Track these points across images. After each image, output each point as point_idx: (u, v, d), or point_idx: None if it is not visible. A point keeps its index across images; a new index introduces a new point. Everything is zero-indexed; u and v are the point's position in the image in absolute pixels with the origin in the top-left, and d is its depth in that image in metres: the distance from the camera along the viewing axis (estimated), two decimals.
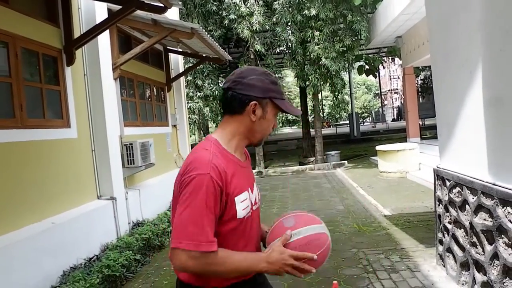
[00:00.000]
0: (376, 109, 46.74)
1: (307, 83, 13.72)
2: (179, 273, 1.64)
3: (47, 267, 4.42)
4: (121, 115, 6.92)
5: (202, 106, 13.30)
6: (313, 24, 12.93)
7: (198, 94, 13.45)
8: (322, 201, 8.71)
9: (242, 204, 1.60)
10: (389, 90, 53.41)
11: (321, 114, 28.41)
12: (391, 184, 9.83)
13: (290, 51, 13.73)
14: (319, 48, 12.68)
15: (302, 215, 1.72)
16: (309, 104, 20.50)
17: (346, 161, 14.67)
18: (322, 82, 13.88)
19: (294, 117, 42.23)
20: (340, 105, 14.88)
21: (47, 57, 5.23)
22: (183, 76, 10.97)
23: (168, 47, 9.74)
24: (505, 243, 2.99)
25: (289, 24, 12.76)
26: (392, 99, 52.92)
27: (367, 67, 17.91)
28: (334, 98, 15.13)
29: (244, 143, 1.72)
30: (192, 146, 12.31)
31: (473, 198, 3.46)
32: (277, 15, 12.74)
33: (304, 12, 12.60)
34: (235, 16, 12.55)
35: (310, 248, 1.59)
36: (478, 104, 3.37)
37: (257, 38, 13.05)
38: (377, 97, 48.68)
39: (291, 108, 1.73)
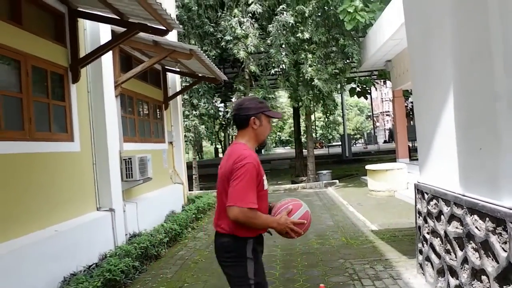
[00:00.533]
0: (368, 131, 47.41)
1: (300, 104, 14.14)
2: (232, 228, 2.54)
3: (50, 272, 4.67)
4: (121, 131, 7.25)
5: (197, 124, 13.64)
6: (306, 47, 13.45)
7: (194, 112, 13.82)
8: (312, 216, 8.98)
9: (265, 182, 2.65)
10: (381, 112, 54.19)
11: (314, 135, 28.87)
12: (379, 202, 10.16)
13: (283, 72, 14.16)
14: (312, 70, 13.13)
15: (296, 203, 2.76)
16: (302, 124, 20.92)
17: (337, 180, 15.00)
18: (314, 103, 14.32)
19: (287, 138, 42.72)
20: (331, 126, 15.30)
21: (55, 75, 5.57)
22: (180, 95, 11.33)
23: (166, 67, 10.13)
24: (473, 248, 3.31)
25: (283, 46, 13.23)
26: (384, 121, 53.66)
27: (358, 89, 18.44)
28: (326, 119, 15.55)
29: (255, 143, 2.74)
30: (188, 164, 12.64)
31: (447, 209, 3.79)
32: (271, 38, 13.22)
33: (297, 35, 13.11)
34: (231, 38, 13.02)
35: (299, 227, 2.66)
36: (451, 124, 3.74)
37: (252, 59, 13.49)
38: (369, 119, 49.39)
39: (276, 114, 2.85)
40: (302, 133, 20.54)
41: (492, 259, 3.02)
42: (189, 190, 12.93)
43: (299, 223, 2.64)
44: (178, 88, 11.13)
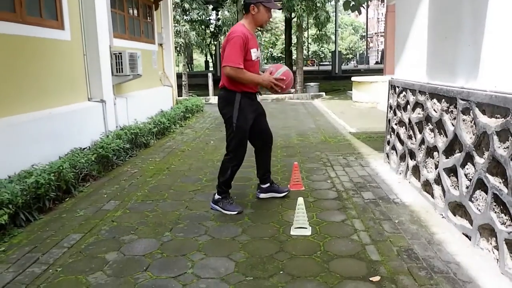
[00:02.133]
0: (361, 51, 46.95)
1: (293, 14, 14.00)
2: (225, 83, 3.55)
3: (45, 150, 5.02)
4: (111, 25, 7.29)
5: (188, 30, 13.55)
6: None
7: (185, 17, 13.66)
8: (296, 120, 9.46)
9: (253, 54, 3.52)
10: (375, 33, 53.22)
11: (305, 52, 28.65)
12: (362, 112, 10.58)
13: None
14: None
15: (277, 65, 3.71)
16: (294, 38, 20.71)
17: (324, 93, 15.31)
18: (307, 13, 14.18)
19: (279, 54, 42.28)
20: (323, 38, 15.25)
21: None
22: None
23: None
24: (430, 129, 3.71)
25: None
26: (377, 42, 52.91)
27: (353, 3, 18.08)
28: (318, 31, 15.47)
29: (254, 26, 3.60)
30: (178, 74, 12.75)
31: (413, 98, 4.15)
32: None
33: None
34: None
35: (283, 75, 3.59)
36: (424, 21, 3.96)
37: None
38: (363, 40, 48.63)
39: (272, 5, 3.55)
40: (293, 46, 20.41)
41: (443, 136, 3.42)
42: (178, 96, 13.18)
43: (280, 79, 3.55)
44: None
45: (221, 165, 3.82)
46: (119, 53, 7.16)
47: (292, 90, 16.24)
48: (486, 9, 2.78)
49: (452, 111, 3.25)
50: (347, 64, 43.96)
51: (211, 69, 34.95)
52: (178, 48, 13.98)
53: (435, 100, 3.60)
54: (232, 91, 3.54)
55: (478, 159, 2.84)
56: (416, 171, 4.11)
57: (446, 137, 3.32)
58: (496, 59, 2.70)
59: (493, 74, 2.73)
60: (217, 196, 3.84)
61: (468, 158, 2.99)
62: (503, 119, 2.53)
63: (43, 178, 3.86)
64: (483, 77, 2.85)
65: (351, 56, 47.46)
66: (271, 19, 3.91)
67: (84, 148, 5.68)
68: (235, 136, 3.62)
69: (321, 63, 42.00)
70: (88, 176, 4.85)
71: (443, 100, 3.39)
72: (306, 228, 3.28)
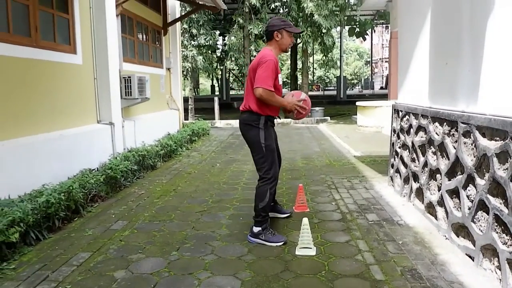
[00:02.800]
0: (366, 77, 47.33)
1: (299, 40, 14.28)
2: (251, 106, 3.63)
3: (56, 169, 5.13)
4: (121, 50, 7.51)
5: (195, 54, 13.82)
6: None
7: (193, 42, 13.95)
8: (301, 144, 9.54)
9: (280, 79, 3.68)
10: (380, 59, 53.73)
11: (310, 77, 28.99)
12: (366, 136, 10.67)
13: (284, 6, 14.16)
14: (312, 4, 13.15)
15: (296, 92, 3.90)
16: (299, 64, 21.02)
17: (329, 118, 15.43)
18: (313, 39, 14.45)
19: (284, 79, 42.72)
20: (329, 64, 15.47)
21: None
22: (179, 23, 11.45)
23: None
24: (432, 152, 3.79)
25: None
26: (382, 68, 53.38)
27: (357, 29, 18.44)
28: (324, 57, 15.72)
29: (279, 51, 3.75)
30: (184, 98, 12.96)
31: (415, 121, 4.24)
32: None
33: None
34: None
35: (303, 103, 3.79)
36: (426, 47, 4.09)
37: None
38: (368, 65, 49.11)
39: (295, 29, 3.74)
40: (298, 71, 20.72)
41: (446, 158, 3.49)
42: (185, 120, 13.36)
43: (302, 103, 3.78)
44: (178, 15, 11.23)
45: (256, 192, 3.69)
46: (128, 77, 7.34)
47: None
48: (484, 37, 2.90)
49: (453, 134, 3.34)
50: (352, 89, 44.29)
51: (217, 93, 35.37)
52: (185, 72, 14.24)
53: (437, 124, 3.69)
54: (257, 114, 3.63)
55: (479, 181, 2.90)
56: (419, 193, 4.17)
57: (448, 159, 3.39)
58: (494, 84, 2.80)
59: (492, 98, 2.82)
60: (256, 229, 3.63)
61: (470, 180, 3.06)
62: (502, 141, 2.61)
63: (54, 197, 3.95)
64: (482, 101, 2.95)
65: (356, 81, 47.86)
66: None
67: (92, 169, 5.79)
68: (266, 157, 3.65)
69: (326, 88, 42.37)
70: (96, 196, 4.93)
71: (445, 123, 3.48)
72: (311, 248, 3.33)
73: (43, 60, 5.28)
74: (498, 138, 2.68)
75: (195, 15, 13.30)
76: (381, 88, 42.89)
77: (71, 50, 6.01)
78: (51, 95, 5.41)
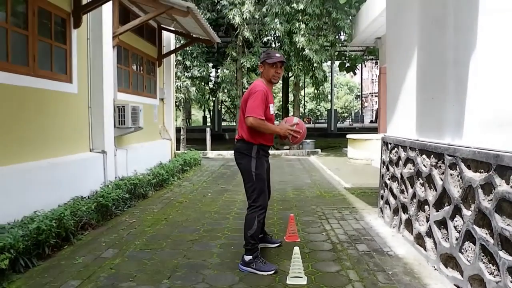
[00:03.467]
0: (356, 110, 47.98)
1: (290, 74, 14.57)
2: (244, 135, 3.78)
3: (47, 197, 5.12)
4: (116, 80, 7.63)
5: (189, 85, 14.01)
6: (300, 17, 13.78)
7: (186, 74, 14.17)
8: (292, 175, 9.60)
9: (271, 108, 3.83)
10: (370, 93, 54.61)
11: (302, 110, 29.36)
12: (356, 168, 10.77)
13: (277, 40, 14.50)
14: (304, 39, 13.50)
15: (289, 118, 4.03)
16: (291, 96, 21.34)
17: (319, 150, 15.58)
18: (304, 73, 14.75)
19: (276, 112, 43.11)
20: (320, 97, 15.73)
21: (58, 18, 5.91)
22: (173, 54, 11.67)
23: (162, 25, 10.44)
24: (420, 183, 3.88)
25: (278, 14, 13.55)
26: (372, 102, 54.20)
27: (348, 64, 18.85)
28: (315, 90, 15.99)
29: (267, 82, 3.88)
30: (176, 128, 13.08)
31: (404, 154, 4.35)
32: (267, 6, 13.54)
33: (292, 5, 13.44)
34: (227, 2, 13.32)
35: (297, 127, 3.86)
36: (413, 83, 4.25)
37: (247, 26, 13.81)
38: (358, 99, 49.86)
39: (273, 59, 3.84)
40: (290, 103, 21.00)
41: (433, 190, 3.58)
42: (177, 150, 13.40)
43: (295, 129, 3.84)
44: (173, 47, 11.46)
45: (245, 220, 3.75)
46: (122, 106, 7.43)
47: (288, 146, 16.54)
48: (467, 74, 3.05)
49: (440, 166, 3.44)
50: (343, 122, 44.80)
51: (208, 124, 35.56)
52: (177, 103, 14.39)
53: (424, 156, 3.79)
54: (249, 143, 3.77)
55: (465, 212, 2.98)
56: (409, 224, 4.23)
57: (436, 191, 3.48)
58: (478, 117, 2.93)
59: (476, 132, 2.94)
60: (247, 257, 3.65)
61: (457, 211, 3.13)
62: (486, 173, 2.71)
63: (45, 224, 3.95)
64: (467, 134, 3.06)
65: (346, 114, 48.46)
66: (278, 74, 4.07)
67: (84, 197, 5.78)
68: (256, 185, 3.74)
69: (317, 121, 42.80)
70: (87, 224, 4.92)
71: (432, 156, 3.59)
72: (302, 277, 3.35)
73: (39, 88, 5.35)
74: (482, 170, 2.78)
75: (189, 47, 13.56)
76: (371, 121, 43.43)
77: (67, 79, 6.10)
78: (45, 122, 5.46)
